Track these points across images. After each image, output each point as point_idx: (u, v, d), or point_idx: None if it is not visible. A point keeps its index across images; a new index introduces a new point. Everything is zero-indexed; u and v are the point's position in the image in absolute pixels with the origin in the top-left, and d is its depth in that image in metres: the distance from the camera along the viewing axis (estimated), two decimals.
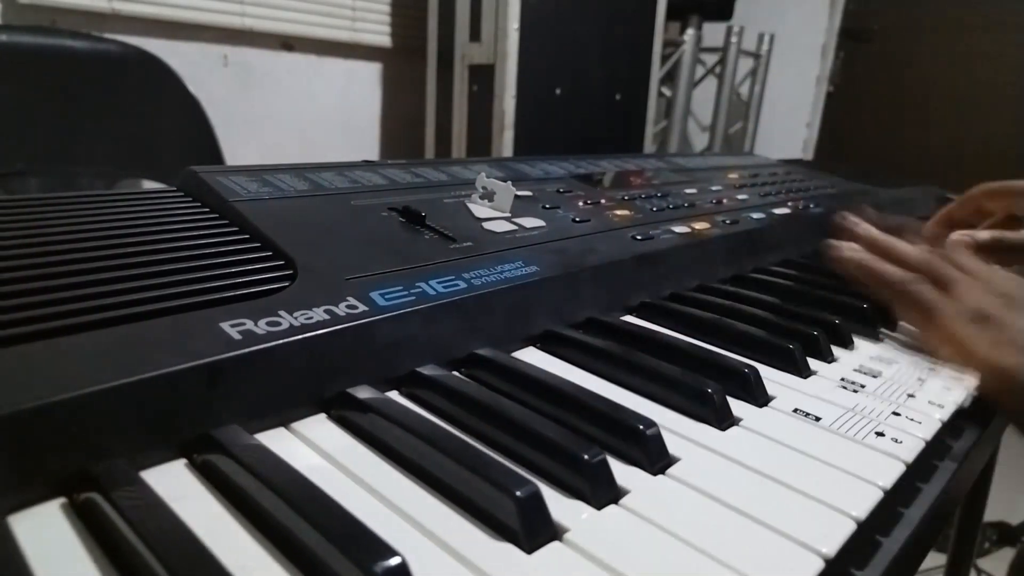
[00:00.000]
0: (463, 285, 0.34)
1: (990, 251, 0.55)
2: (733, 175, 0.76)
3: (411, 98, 1.81)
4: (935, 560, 1.08)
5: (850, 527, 0.24)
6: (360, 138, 1.86)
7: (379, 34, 1.78)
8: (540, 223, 0.44)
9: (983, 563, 1.35)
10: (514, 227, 0.43)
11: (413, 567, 0.19)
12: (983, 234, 0.57)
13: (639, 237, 0.46)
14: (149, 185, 1.07)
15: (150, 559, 0.18)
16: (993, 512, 1.29)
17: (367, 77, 1.83)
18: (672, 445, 0.28)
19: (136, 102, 1.04)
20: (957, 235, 0.58)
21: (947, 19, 2.41)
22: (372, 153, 1.90)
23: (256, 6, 1.54)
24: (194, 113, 1.07)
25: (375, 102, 1.86)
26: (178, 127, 1.08)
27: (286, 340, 0.26)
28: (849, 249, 0.48)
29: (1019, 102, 2.28)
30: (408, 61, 1.82)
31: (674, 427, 0.30)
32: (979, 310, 0.39)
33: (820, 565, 0.22)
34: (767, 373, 0.35)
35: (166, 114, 1.07)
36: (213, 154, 1.08)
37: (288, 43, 1.65)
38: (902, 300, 0.44)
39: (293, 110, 1.70)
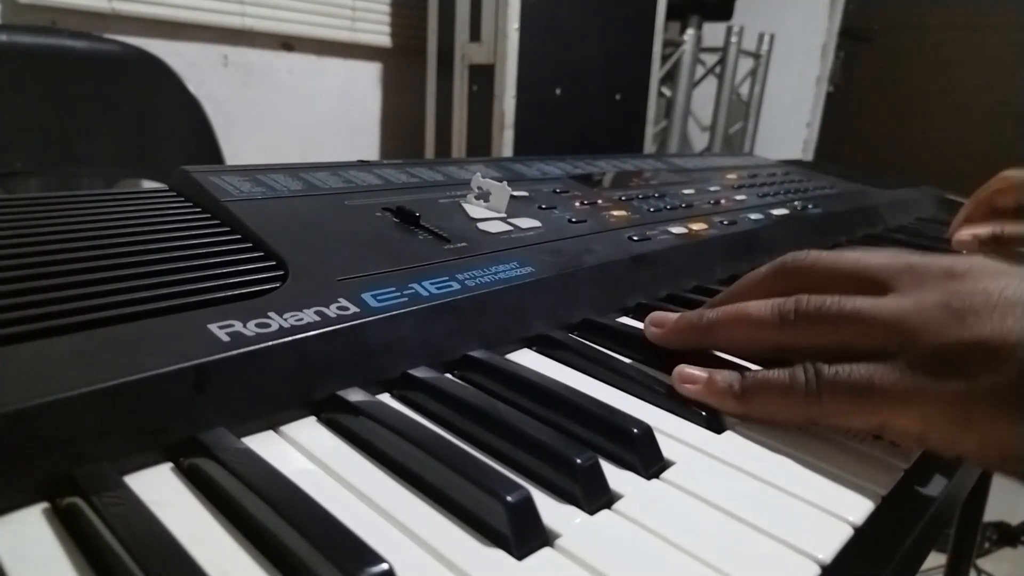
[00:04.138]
0: (457, 286, 0.33)
1: (991, 246, 0.55)
2: (731, 176, 0.76)
3: (411, 98, 1.81)
4: (935, 560, 1.08)
5: (847, 533, 0.23)
6: (360, 138, 1.86)
7: (379, 34, 1.78)
8: (536, 224, 0.44)
9: (983, 563, 1.35)
10: (509, 228, 0.42)
11: (401, 574, 0.19)
12: (982, 230, 0.57)
13: (635, 238, 0.46)
14: (149, 185, 1.07)
15: (132, 566, 0.17)
16: (993, 512, 1.28)
17: (367, 77, 1.83)
18: (667, 448, 0.27)
19: (136, 102, 1.04)
20: (960, 234, 0.58)
21: (947, 19, 2.40)
22: (372, 153, 1.90)
23: (256, 6, 1.53)
24: (194, 113, 1.07)
25: (375, 102, 1.86)
26: (178, 127, 1.08)
27: (275, 342, 0.26)
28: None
29: (1019, 102, 2.27)
30: (408, 61, 1.82)
31: (669, 430, 0.29)
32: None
33: (816, 571, 0.22)
34: None
35: (166, 114, 1.07)
36: (213, 154, 1.08)
37: (288, 43, 1.65)
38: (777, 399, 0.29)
39: (293, 110, 1.69)
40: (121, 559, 0.18)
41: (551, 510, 0.23)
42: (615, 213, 0.50)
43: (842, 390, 0.27)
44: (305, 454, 0.25)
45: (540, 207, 0.48)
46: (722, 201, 0.61)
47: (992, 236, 0.56)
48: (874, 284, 0.29)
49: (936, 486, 0.28)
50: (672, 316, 0.34)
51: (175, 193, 0.39)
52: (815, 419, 0.28)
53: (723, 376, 0.30)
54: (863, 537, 0.24)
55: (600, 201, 0.52)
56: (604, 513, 0.23)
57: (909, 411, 0.26)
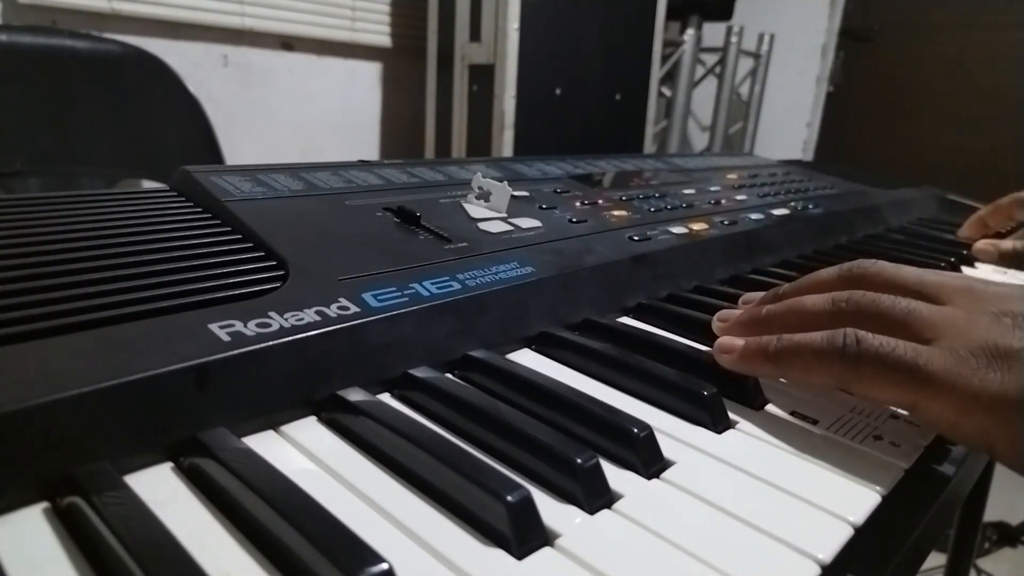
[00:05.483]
0: (457, 286, 0.33)
1: (1011, 260, 0.57)
2: (732, 176, 0.76)
3: (411, 98, 1.81)
4: (935, 560, 1.08)
5: (847, 532, 0.23)
6: (360, 138, 1.85)
7: (379, 34, 1.78)
8: (536, 223, 0.44)
9: (983, 563, 1.35)
10: (510, 228, 0.42)
11: (401, 573, 0.19)
12: (1006, 243, 0.58)
13: (636, 238, 0.46)
14: (149, 185, 1.07)
15: (132, 566, 0.17)
16: (993, 512, 1.28)
17: (367, 77, 1.83)
18: (667, 448, 0.27)
19: (136, 102, 1.04)
20: (982, 243, 0.60)
21: (947, 19, 2.40)
22: (372, 153, 1.89)
23: (256, 6, 1.53)
24: (194, 113, 1.07)
25: (375, 102, 1.86)
26: (178, 127, 1.08)
27: (276, 342, 0.26)
28: (726, 342, 0.33)
29: (1019, 102, 2.27)
30: (408, 61, 1.82)
31: (669, 430, 0.29)
32: (989, 343, 0.26)
33: (816, 571, 0.22)
34: None
35: (166, 114, 1.07)
36: (213, 154, 1.08)
37: (288, 43, 1.65)
38: (839, 368, 0.28)
39: (293, 110, 1.69)
40: (121, 559, 0.18)
41: (551, 510, 0.23)
42: (616, 213, 0.50)
43: (884, 362, 0.27)
44: (305, 454, 0.25)
45: (541, 207, 0.48)
46: (722, 201, 0.61)
47: (1013, 250, 0.57)
48: (931, 299, 0.30)
49: (936, 486, 0.28)
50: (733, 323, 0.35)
51: (176, 193, 0.39)
52: (847, 384, 0.29)
53: (759, 340, 0.31)
54: (863, 537, 0.24)
55: (601, 201, 0.52)
56: (604, 513, 0.23)
57: (947, 397, 0.26)
